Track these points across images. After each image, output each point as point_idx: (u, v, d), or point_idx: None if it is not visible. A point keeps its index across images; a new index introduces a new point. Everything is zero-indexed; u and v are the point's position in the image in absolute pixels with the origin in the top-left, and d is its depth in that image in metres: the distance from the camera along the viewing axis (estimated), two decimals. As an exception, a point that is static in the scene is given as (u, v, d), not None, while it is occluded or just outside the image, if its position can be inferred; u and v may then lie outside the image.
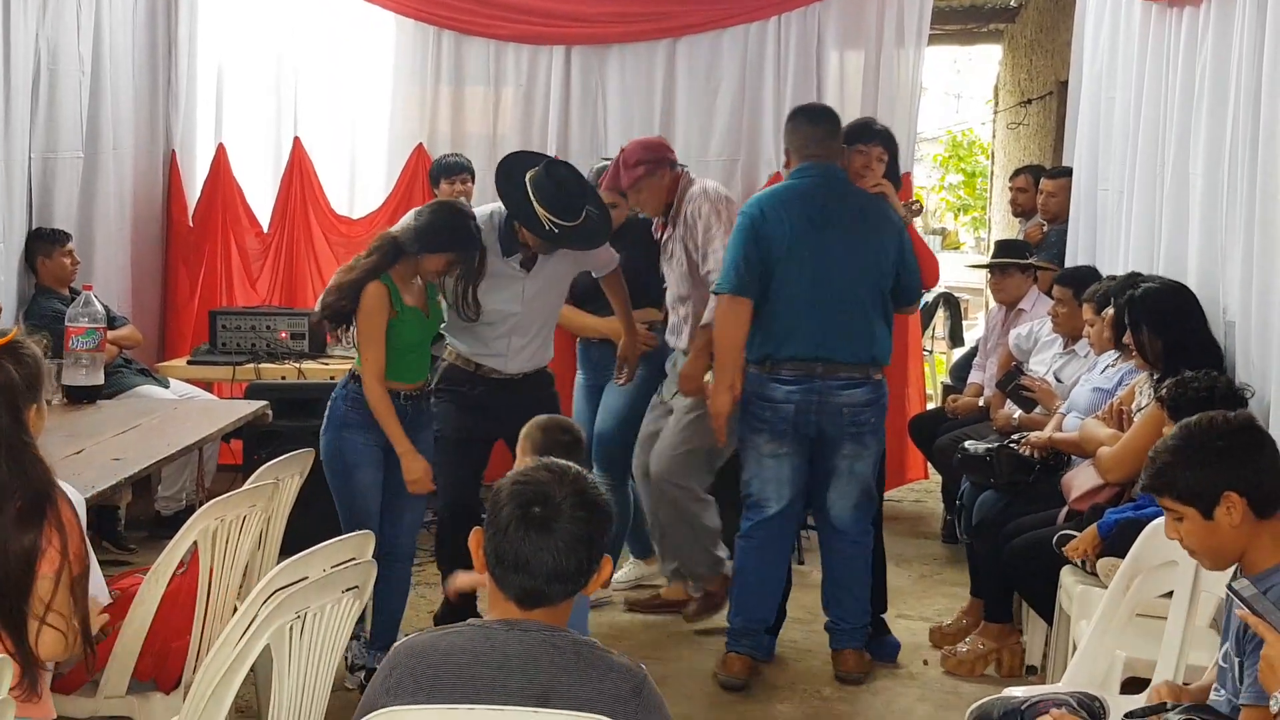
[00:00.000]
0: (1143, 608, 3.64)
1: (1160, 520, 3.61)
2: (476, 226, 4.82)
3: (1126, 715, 2.64)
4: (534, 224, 4.88)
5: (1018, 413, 5.73)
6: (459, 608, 3.94)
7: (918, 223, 5.67)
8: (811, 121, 5.12)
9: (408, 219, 4.88)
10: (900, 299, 5.12)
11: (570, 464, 2.42)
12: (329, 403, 4.78)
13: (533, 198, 4.88)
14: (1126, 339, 4.67)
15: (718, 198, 5.40)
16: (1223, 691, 2.73)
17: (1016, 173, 8.44)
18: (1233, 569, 2.86)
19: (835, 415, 4.90)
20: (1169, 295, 4.63)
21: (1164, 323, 4.52)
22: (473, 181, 6.94)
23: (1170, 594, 3.56)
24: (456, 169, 6.89)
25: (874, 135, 5.20)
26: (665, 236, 5.50)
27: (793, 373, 4.89)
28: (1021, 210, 7.98)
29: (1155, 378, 4.53)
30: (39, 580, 2.63)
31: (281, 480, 3.86)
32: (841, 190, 4.98)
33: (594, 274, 5.42)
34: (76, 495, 3.54)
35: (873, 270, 4.96)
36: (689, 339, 5.38)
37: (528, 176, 4.93)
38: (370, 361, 4.59)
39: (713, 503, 5.48)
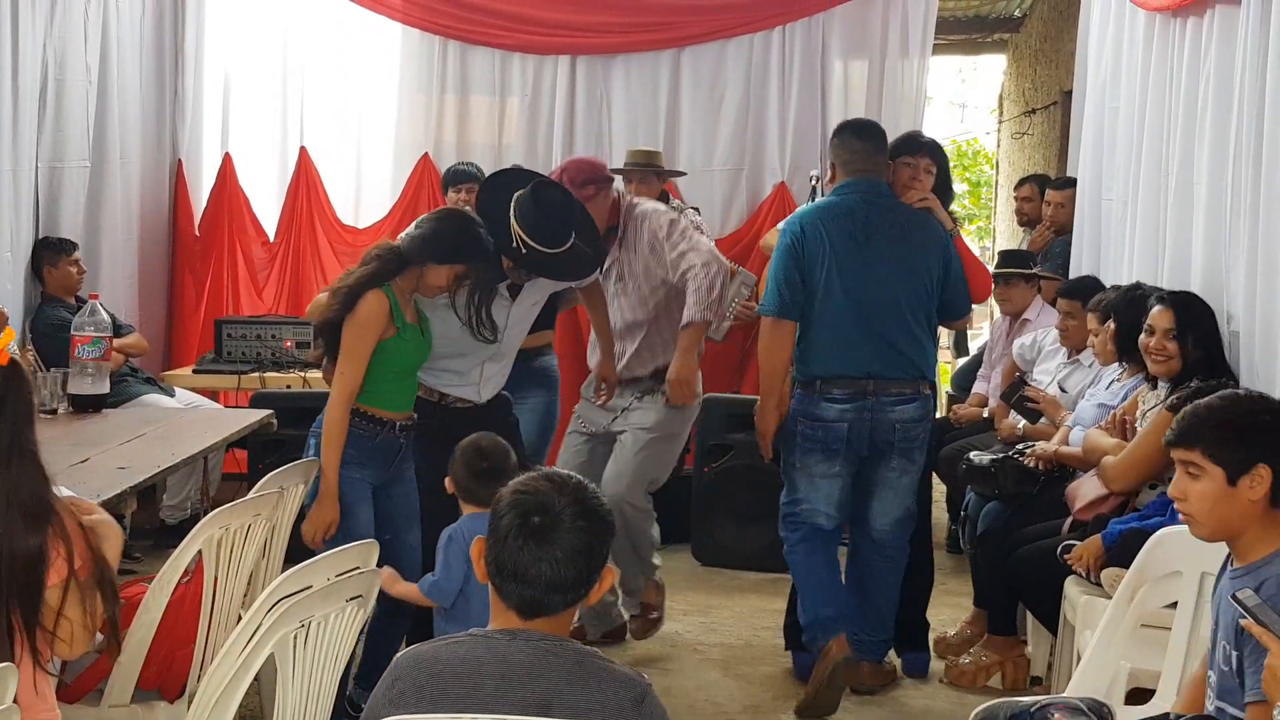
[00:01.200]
0: (1147, 618, 3.63)
1: (1165, 531, 3.62)
2: (487, 236, 4.42)
3: None
4: (504, 241, 4.50)
5: (1022, 423, 5.73)
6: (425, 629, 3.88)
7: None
8: (859, 136, 5.02)
9: (411, 228, 4.52)
10: (947, 313, 5.09)
11: (571, 474, 2.41)
12: (313, 437, 4.30)
13: (512, 213, 4.55)
14: (1154, 342, 4.58)
15: (666, 209, 5.31)
16: (1228, 710, 2.71)
17: (1021, 182, 8.44)
18: (1221, 564, 2.86)
19: (888, 431, 4.88)
20: (1207, 307, 4.61)
21: (1207, 334, 4.50)
22: (480, 190, 6.94)
23: (1174, 604, 3.56)
24: (464, 177, 6.86)
25: (921, 146, 5.12)
26: (610, 261, 5.17)
27: (844, 391, 4.83)
28: (1027, 220, 7.98)
29: (1167, 386, 4.51)
30: (48, 590, 2.63)
31: (286, 489, 3.86)
32: (886, 205, 4.91)
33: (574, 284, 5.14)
34: (82, 504, 3.56)
35: (917, 286, 4.90)
36: (636, 366, 5.25)
37: (515, 194, 4.62)
38: (347, 379, 4.13)
39: (654, 514, 5.41)
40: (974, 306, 5.54)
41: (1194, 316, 4.53)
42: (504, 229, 4.53)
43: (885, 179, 4.97)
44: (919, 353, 4.94)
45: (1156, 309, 4.60)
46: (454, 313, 4.47)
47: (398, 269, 4.24)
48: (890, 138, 7.45)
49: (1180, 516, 2.89)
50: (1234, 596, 2.47)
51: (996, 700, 3.11)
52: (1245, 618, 2.43)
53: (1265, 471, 2.69)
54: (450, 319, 4.48)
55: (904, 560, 5.06)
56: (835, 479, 4.89)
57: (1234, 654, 2.70)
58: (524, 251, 4.55)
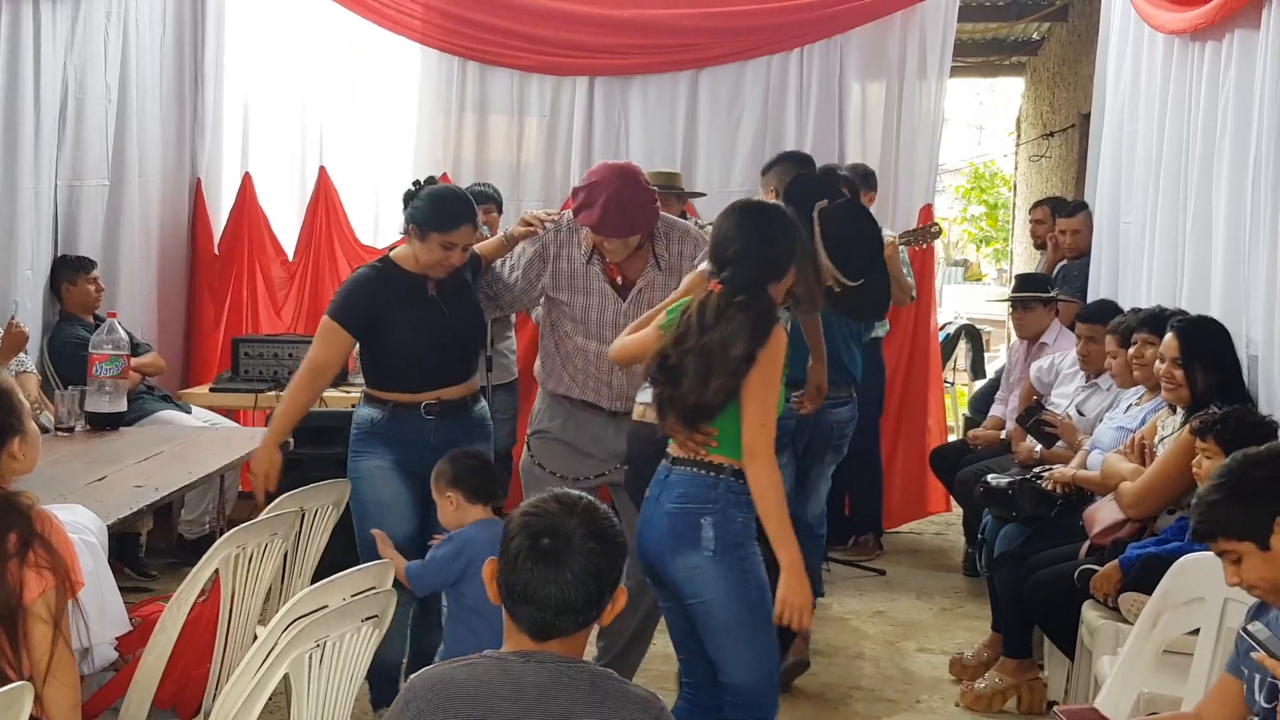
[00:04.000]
0: (1169, 645, 3.61)
1: (1187, 558, 3.60)
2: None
3: None
4: (814, 277, 4.08)
5: (1039, 446, 5.71)
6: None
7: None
8: (798, 164, 5.44)
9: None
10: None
11: (582, 494, 2.40)
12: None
13: (819, 243, 4.30)
14: (1163, 370, 4.59)
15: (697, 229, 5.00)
16: None
17: (1036, 205, 8.44)
18: (1252, 607, 2.85)
19: (826, 431, 5.43)
20: (1220, 332, 4.60)
21: (1217, 360, 4.49)
22: (499, 212, 6.94)
23: (1196, 631, 3.54)
24: (481, 199, 6.87)
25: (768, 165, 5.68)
26: (644, 284, 4.49)
27: (796, 394, 5.09)
28: (1041, 242, 7.98)
29: (1185, 412, 4.49)
30: (33, 623, 2.62)
31: (318, 509, 3.87)
32: None
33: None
34: (97, 522, 3.57)
35: None
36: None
37: (816, 209, 4.37)
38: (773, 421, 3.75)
39: None
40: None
41: (1203, 344, 4.51)
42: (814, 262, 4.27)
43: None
44: (851, 360, 5.56)
45: (1167, 336, 4.60)
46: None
47: None
48: (908, 160, 7.51)
49: (1253, 596, 2.86)
50: (1244, 629, 2.47)
51: None
52: (1258, 651, 2.43)
53: None
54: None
55: (824, 534, 5.80)
56: (784, 469, 4.92)
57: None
58: (837, 291, 4.50)
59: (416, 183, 4.57)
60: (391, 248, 7.49)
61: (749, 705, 3.61)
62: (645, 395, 3.90)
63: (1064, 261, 7.28)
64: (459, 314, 4.48)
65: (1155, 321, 4.97)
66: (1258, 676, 2.76)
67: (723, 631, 3.53)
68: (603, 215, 4.27)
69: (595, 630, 4.47)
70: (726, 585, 3.50)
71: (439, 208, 4.36)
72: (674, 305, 3.74)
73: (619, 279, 4.47)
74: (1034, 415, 5.74)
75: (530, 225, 4.55)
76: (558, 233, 4.50)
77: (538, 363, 4.69)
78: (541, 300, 4.60)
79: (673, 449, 3.59)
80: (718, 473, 3.52)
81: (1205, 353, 4.48)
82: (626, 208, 4.29)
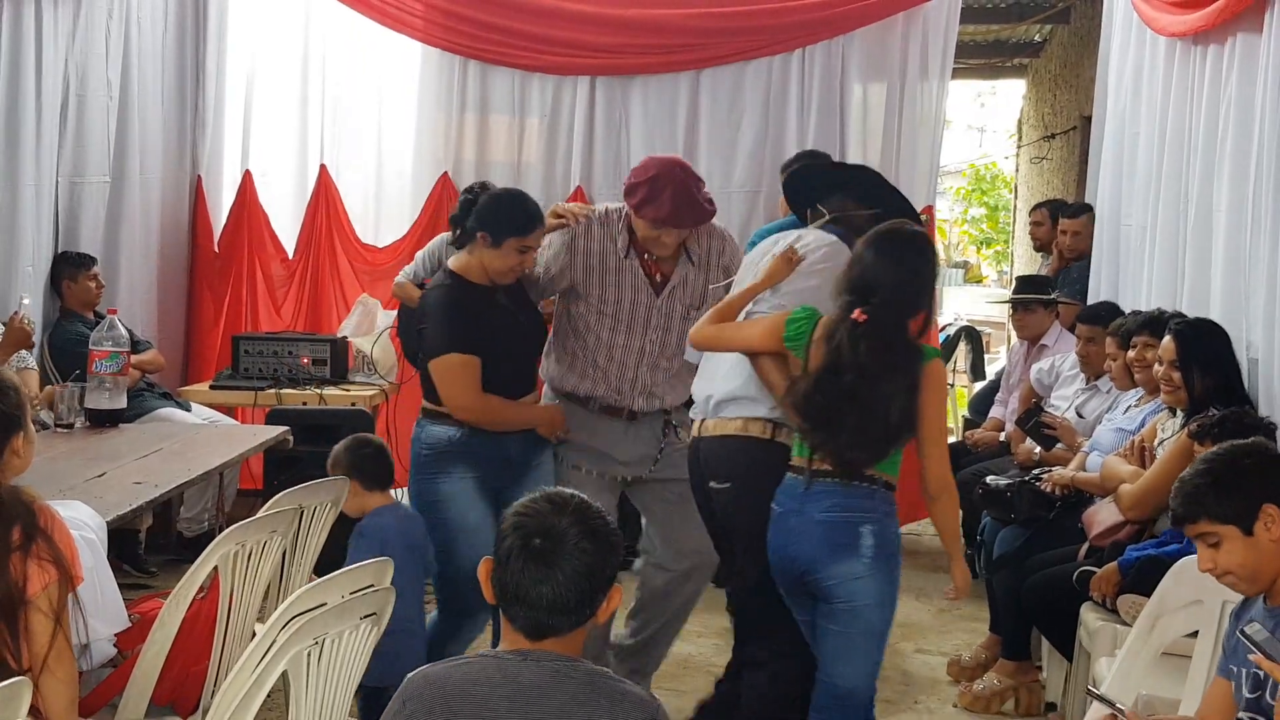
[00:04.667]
0: (1167, 647, 3.62)
1: (1186, 560, 3.60)
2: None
3: None
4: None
5: (1039, 448, 5.71)
6: None
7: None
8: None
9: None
10: None
11: (574, 493, 2.40)
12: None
13: None
14: (1161, 372, 4.60)
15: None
16: None
17: (1035, 207, 8.45)
18: (1239, 604, 2.87)
19: None
20: (1218, 334, 4.60)
21: (1216, 363, 4.50)
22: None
23: (1195, 633, 3.54)
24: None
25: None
26: (675, 281, 4.53)
27: None
28: (1041, 244, 7.99)
29: (1184, 414, 4.50)
30: (34, 616, 2.63)
31: (316, 506, 3.87)
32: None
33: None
34: (97, 518, 3.57)
35: None
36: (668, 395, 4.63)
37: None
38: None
39: None
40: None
41: (1201, 346, 4.51)
42: None
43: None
44: None
45: (1165, 338, 4.61)
46: None
47: None
48: (909, 161, 7.50)
49: (1224, 584, 2.88)
50: (1241, 632, 2.47)
51: None
52: (1255, 652, 2.43)
53: (1274, 510, 2.73)
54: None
55: None
56: None
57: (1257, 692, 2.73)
58: None
59: (471, 189, 4.48)
60: (396, 247, 7.58)
61: (855, 709, 3.71)
62: (742, 408, 3.89)
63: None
64: (527, 319, 4.47)
65: (1155, 324, 4.97)
66: (1244, 671, 2.77)
67: (862, 637, 3.63)
68: (674, 208, 4.29)
69: (620, 614, 4.54)
70: (879, 593, 3.61)
71: (513, 211, 4.31)
72: (795, 315, 3.72)
73: (657, 275, 4.49)
74: (1034, 417, 5.75)
75: (561, 218, 4.52)
76: (589, 226, 4.48)
77: (549, 364, 4.64)
78: (561, 295, 4.56)
79: (816, 463, 3.61)
80: (873, 483, 3.61)
81: (1203, 355, 4.49)
82: (694, 198, 4.34)
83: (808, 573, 3.63)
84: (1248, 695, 2.76)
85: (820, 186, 4.21)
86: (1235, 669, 2.84)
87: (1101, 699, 2.84)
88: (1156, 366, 4.67)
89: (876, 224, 3.73)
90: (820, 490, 3.60)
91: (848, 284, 3.61)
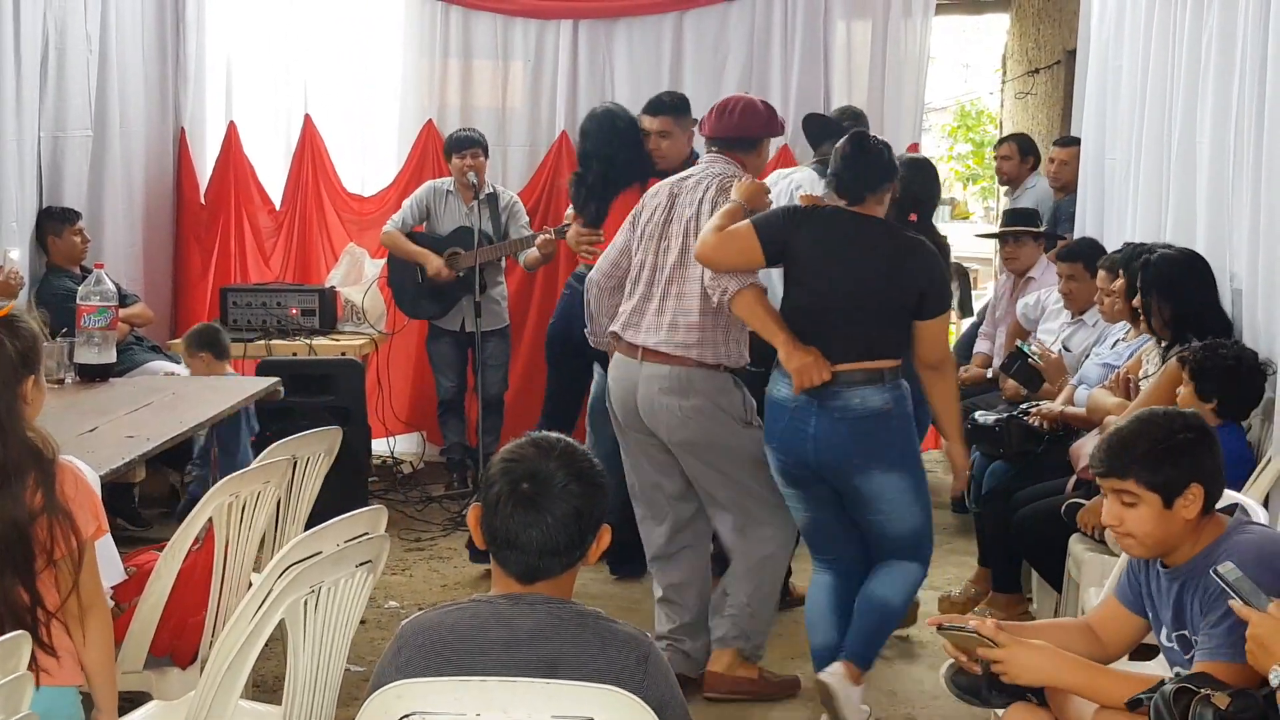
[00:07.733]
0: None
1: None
2: None
3: (1129, 702, 2.65)
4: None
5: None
6: None
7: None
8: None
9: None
10: None
11: (560, 436, 2.42)
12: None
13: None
14: (1136, 303, 4.66)
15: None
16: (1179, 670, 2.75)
17: (1001, 141, 8.48)
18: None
19: None
20: (1180, 262, 4.62)
21: (1172, 290, 4.53)
22: (485, 156, 6.94)
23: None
24: (468, 143, 6.86)
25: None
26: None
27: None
28: (1007, 179, 8.03)
29: (1163, 345, 4.54)
30: (52, 561, 2.68)
31: (310, 457, 3.88)
32: None
33: None
34: (91, 473, 3.58)
35: None
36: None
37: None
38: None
39: None
40: None
41: (1158, 276, 4.56)
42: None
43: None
44: None
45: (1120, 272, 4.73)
46: None
47: None
48: (894, 99, 7.45)
49: (1115, 539, 2.97)
50: (1215, 571, 2.49)
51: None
52: (1231, 596, 2.45)
53: (1198, 490, 2.77)
54: None
55: None
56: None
57: (1175, 635, 2.82)
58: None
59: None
60: (382, 196, 7.56)
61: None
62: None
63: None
64: None
65: (1138, 257, 4.99)
66: (1164, 617, 2.86)
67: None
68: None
69: (663, 610, 4.70)
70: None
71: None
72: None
73: None
74: (1017, 361, 5.74)
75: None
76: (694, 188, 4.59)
77: (716, 347, 4.48)
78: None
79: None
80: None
81: (1159, 285, 4.53)
82: None
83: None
84: (1175, 648, 2.84)
85: (818, 135, 5.50)
86: (1151, 613, 2.93)
87: (950, 627, 2.83)
88: (1101, 296, 4.76)
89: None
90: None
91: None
